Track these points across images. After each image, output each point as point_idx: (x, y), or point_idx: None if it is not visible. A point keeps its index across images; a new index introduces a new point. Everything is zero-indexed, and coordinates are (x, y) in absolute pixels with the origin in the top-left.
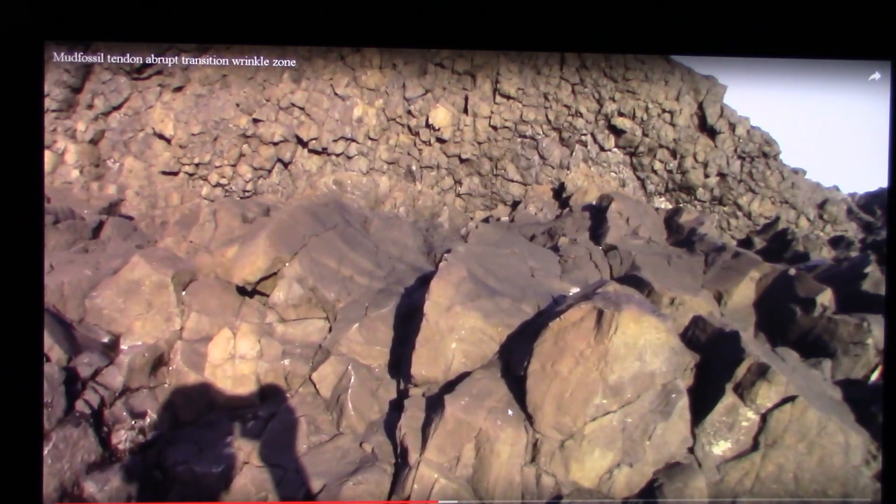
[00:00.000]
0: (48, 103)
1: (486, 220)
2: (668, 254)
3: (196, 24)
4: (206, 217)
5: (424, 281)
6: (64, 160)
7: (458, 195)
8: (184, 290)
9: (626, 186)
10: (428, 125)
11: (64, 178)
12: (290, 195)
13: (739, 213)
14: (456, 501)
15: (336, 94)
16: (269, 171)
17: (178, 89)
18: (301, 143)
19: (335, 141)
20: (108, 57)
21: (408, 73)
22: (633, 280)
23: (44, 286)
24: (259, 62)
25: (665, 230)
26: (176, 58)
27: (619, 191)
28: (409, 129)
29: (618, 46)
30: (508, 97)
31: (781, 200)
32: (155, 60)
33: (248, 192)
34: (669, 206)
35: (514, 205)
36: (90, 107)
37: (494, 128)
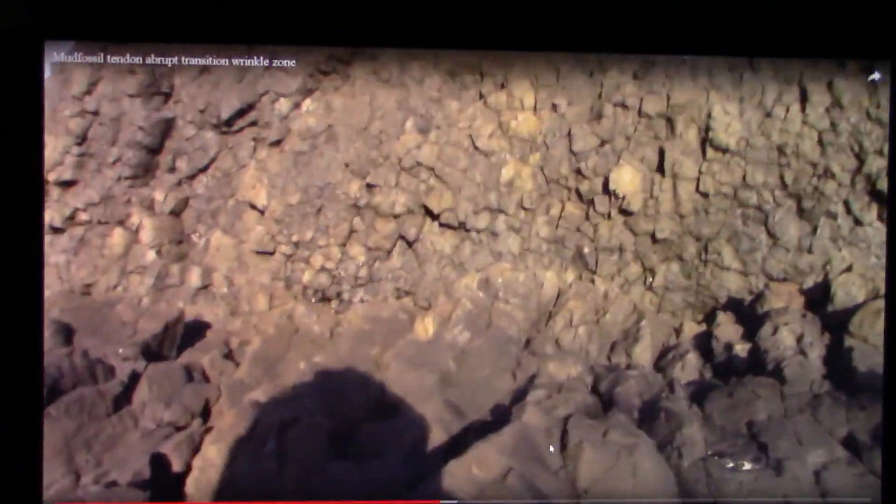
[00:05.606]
0: (120, 169)
1: (705, 344)
2: None
3: (197, 24)
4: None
5: None
6: (139, 239)
7: (649, 288)
8: None
9: None
10: (607, 190)
11: (138, 263)
12: (416, 284)
13: None
14: (456, 501)
15: (476, 147)
16: (389, 253)
17: (275, 144)
18: (430, 215)
19: (476, 213)
20: (108, 57)
21: (574, 115)
22: None
23: (44, 286)
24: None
25: None
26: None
27: None
28: (580, 195)
29: (619, 47)
30: (725, 150)
31: None
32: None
33: (360, 279)
34: None
35: (734, 307)
36: (172, 170)
37: (704, 195)
